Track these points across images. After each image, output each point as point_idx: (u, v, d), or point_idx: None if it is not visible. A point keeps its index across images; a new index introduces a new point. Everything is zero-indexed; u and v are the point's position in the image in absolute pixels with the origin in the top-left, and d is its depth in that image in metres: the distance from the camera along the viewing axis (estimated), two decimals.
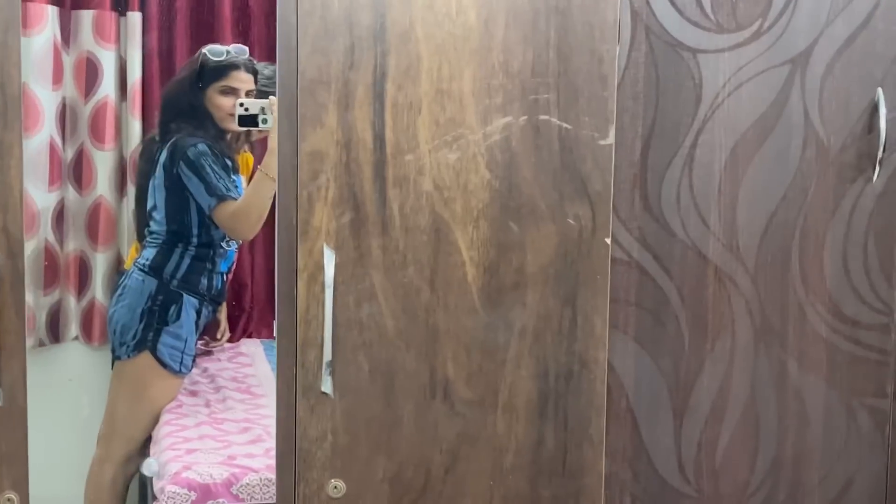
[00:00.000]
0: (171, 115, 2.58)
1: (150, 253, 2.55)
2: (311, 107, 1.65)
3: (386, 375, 1.70)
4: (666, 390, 1.81)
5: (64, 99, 2.83)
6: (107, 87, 2.77)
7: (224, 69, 2.54)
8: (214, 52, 2.56)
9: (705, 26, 1.74)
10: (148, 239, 2.57)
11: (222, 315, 2.95)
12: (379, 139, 1.66)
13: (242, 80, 2.57)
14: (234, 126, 2.51)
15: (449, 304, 1.70)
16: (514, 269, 1.71)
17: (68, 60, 2.79)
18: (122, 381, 2.64)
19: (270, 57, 2.64)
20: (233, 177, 2.52)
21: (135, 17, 2.78)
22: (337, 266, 1.66)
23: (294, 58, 1.64)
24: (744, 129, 1.78)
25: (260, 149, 2.72)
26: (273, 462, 2.27)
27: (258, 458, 2.55)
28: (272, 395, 2.74)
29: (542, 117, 1.68)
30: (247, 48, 2.60)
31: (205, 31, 2.85)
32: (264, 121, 2.42)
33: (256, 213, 2.47)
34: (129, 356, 2.57)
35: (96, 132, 2.76)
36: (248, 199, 2.48)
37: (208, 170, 2.46)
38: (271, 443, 2.45)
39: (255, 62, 2.62)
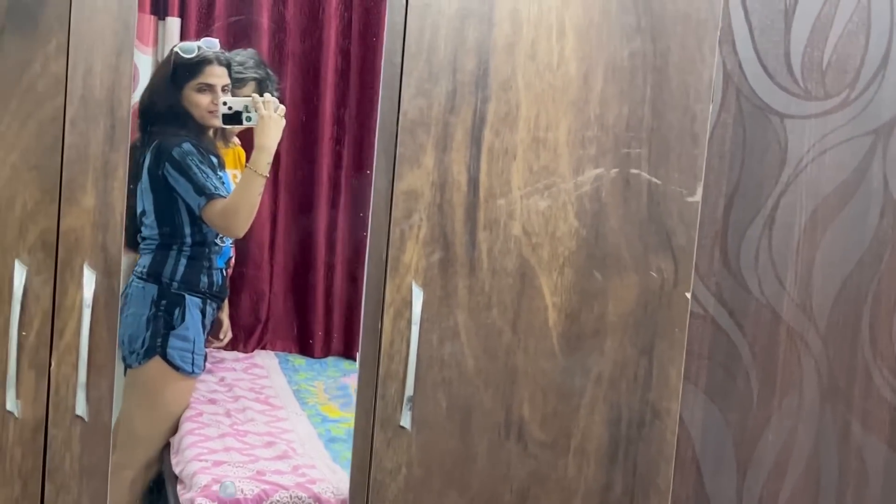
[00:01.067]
0: (150, 119, 2.56)
1: (146, 259, 2.55)
2: (410, 147, 1.68)
3: (463, 413, 1.74)
4: (731, 443, 1.86)
5: None
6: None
7: (197, 66, 2.53)
8: (185, 49, 2.55)
9: (794, 92, 1.79)
10: (142, 246, 2.57)
11: (224, 314, 2.94)
12: (473, 182, 1.70)
13: (217, 74, 2.56)
14: (217, 123, 2.51)
15: (529, 347, 1.74)
16: (595, 317, 1.75)
17: None
18: (136, 389, 2.65)
19: (301, 68, 2.65)
20: (219, 173, 2.52)
21: (173, 23, 2.79)
22: (423, 304, 1.70)
23: (396, 97, 1.68)
24: (825, 193, 1.83)
25: (246, 145, 2.72)
26: (302, 480, 2.31)
27: (287, 475, 2.57)
28: (290, 407, 2.77)
29: (633, 171, 1.73)
30: (216, 41, 2.60)
31: (241, 39, 2.87)
32: (248, 118, 2.43)
33: (245, 210, 2.47)
34: (139, 363, 2.57)
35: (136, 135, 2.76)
36: (237, 196, 2.48)
37: (195, 169, 2.46)
38: (299, 460, 2.48)
39: (226, 54, 2.61)
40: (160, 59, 2.75)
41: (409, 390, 1.70)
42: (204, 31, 2.86)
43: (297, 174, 2.61)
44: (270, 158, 2.35)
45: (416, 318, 1.70)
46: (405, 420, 1.71)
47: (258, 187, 2.37)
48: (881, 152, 1.81)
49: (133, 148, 2.59)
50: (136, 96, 2.66)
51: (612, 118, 1.72)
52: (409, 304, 1.70)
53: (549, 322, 1.74)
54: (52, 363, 1.64)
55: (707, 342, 1.80)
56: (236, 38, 2.76)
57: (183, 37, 2.76)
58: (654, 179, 1.73)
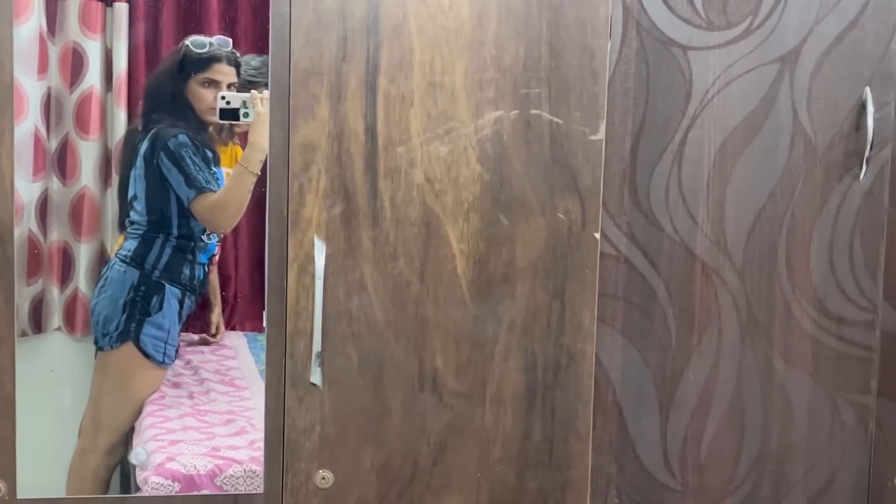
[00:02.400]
0: (152, 106, 2.58)
1: (131, 244, 2.55)
2: (304, 98, 1.66)
3: (375, 367, 1.72)
4: (652, 384, 1.84)
5: (49, 89, 2.82)
6: (92, 77, 2.76)
7: (206, 61, 2.54)
8: (197, 43, 2.56)
9: (696, 23, 1.77)
10: (129, 230, 2.58)
11: (215, 315, 2.94)
12: (371, 131, 1.68)
13: (224, 72, 2.56)
14: (216, 118, 2.51)
15: (438, 297, 1.72)
16: (504, 263, 1.73)
17: (54, 50, 2.78)
18: (106, 373, 2.65)
19: (257, 49, 2.64)
20: (213, 169, 2.52)
21: (121, 8, 2.77)
22: (327, 257, 1.69)
23: (287, 49, 1.66)
24: (733, 126, 1.81)
25: (243, 142, 2.72)
26: (258, 454, 2.29)
27: (242, 449, 2.56)
28: (255, 387, 2.75)
29: (534, 112, 1.71)
30: (230, 40, 2.60)
31: (191, 22, 2.85)
32: (245, 114, 2.42)
33: (234, 206, 2.47)
34: (111, 347, 2.57)
35: (81, 122, 2.76)
36: (226, 192, 2.48)
37: (188, 161, 2.47)
38: (255, 434, 2.46)
39: (237, 54, 2.62)
40: (109, 45, 2.74)
41: (318, 346, 1.69)
42: (152, 15, 2.84)
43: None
44: (263, 156, 2.34)
45: (320, 272, 1.68)
46: (315, 377, 1.70)
47: (248, 184, 2.36)
48: (788, 80, 1.79)
49: (132, 132, 2.60)
50: (87, 82, 2.65)
51: (509, 59, 1.70)
52: (313, 258, 1.68)
53: (457, 270, 1.72)
54: None
55: (622, 283, 1.78)
56: (185, 19, 2.74)
57: (132, 21, 2.74)
58: (556, 119, 1.71)
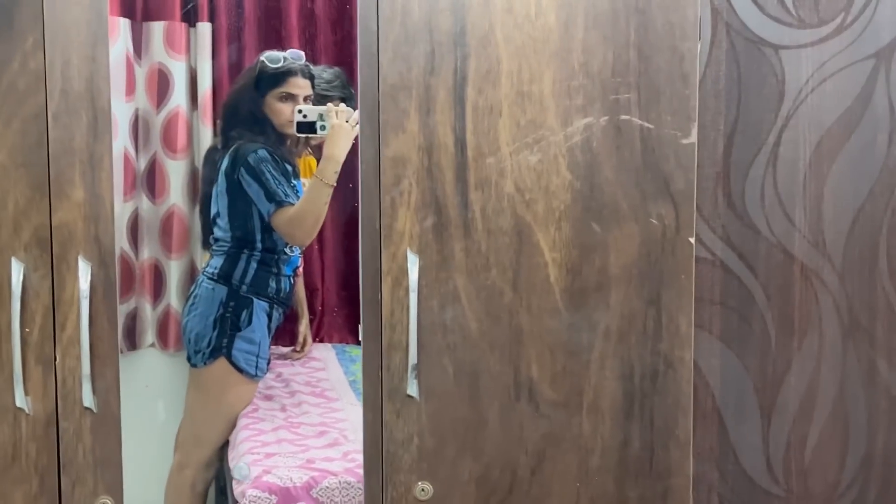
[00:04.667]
0: (231, 123, 2.63)
1: (217, 261, 2.61)
2: (393, 112, 1.68)
3: (470, 377, 1.73)
4: (752, 389, 1.82)
5: (137, 110, 2.89)
6: (178, 97, 2.83)
7: (282, 76, 2.59)
8: (272, 59, 2.60)
9: (787, 22, 1.75)
10: (214, 247, 2.63)
11: (303, 325, 2.97)
12: (460, 143, 1.69)
13: (300, 85, 2.61)
14: (293, 132, 2.55)
15: (532, 306, 1.73)
16: (597, 270, 1.73)
17: (140, 72, 2.85)
18: (200, 389, 2.70)
19: (336, 62, 2.68)
20: (293, 182, 2.56)
21: (204, 28, 2.83)
22: (420, 270, 1.70)
23: (375, 64, 1.68)
24: (828, 124, 1.79)
25: (318, 154, 2.75)
26: (352, 465, 2.32)
27: (337, 461, 2.59)
28: (345, 398, 2.79)
29: (624, 117, 1.70)
30: (303, 53, 2.64)
31: (272, 39, 2.90)
32: (322, 127, 2.47)
33: (312, 218, 2.51)
34: (204, 363, 2.63)
35: (168, 141, 2.83)
36: (304, 205, 2.52)
37: (268, 175, 2.51)
38: (349, 446, 2.50)
39: (311, 67, 2.66)
40: (193, 65, 2.81)
41: (413, 359, 1.71)
42: (235, 34, 2.90)
43: (343, 168, 2.62)
44: (338, 168, 2.39)
45: (414, 285, 1.70)
46: (412, 389, 1.71)
47: (325, 196, 2.41)
48: (884, 76, 1.76)
49: (212, 150, 2.67)
50: (173, 102, 2.72)
51: (598, 65, 1.70)
52: (406, 271, 1.70)
53: (550, 279, 1.72)
54: (57, 357, 1.68)
55: (718, 287, 1.77)
56: (267, 37, 2.80)
57: (215, 41, 2.81)
58: (647, 124, 1.70)
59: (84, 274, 1.67)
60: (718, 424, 1.81)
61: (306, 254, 2.84)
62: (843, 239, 1.79)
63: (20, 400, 1.68)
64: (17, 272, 1.66)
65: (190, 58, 2.82)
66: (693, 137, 1.70)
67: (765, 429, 1.83)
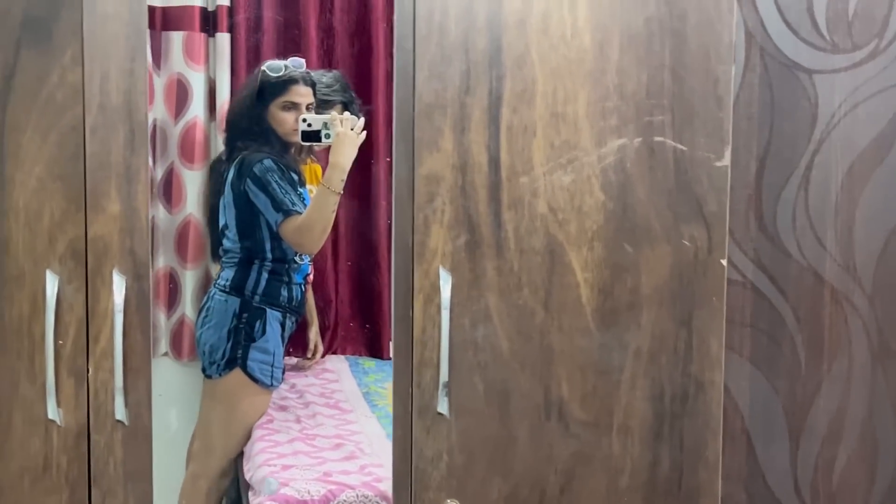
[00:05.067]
0: (235, 134, 2.63)
1: (228, 273, 2.61)
2: (428, 131, 1.69)
3: (501, 396, 1.74)
4: (781, 411, 1.83)
5: (155, 120, 2.90)
6: (196, 107, 2.83)
7: (283, 84, 2.59)
8: (273, 68, 2.60)
9: (821, 47, 1.76)
10: (224, 259, 2.63)
11: (313, 332, 2.98)
12: (494, 162, 1.70)
13: (302, 93, 2.61)
14: (298, 140, 2.55)
15: (563, 326, 1.73)
16: (629, 291, 1.73)
17: (159, 82, 2.85)
18: (215, 399, 2.70)
19: (354, 74, 2.68)
20: (299, 190, 2.56)
21: (223, 39, 2.84)
22: (452, 287, 1.71)
23: (411, 83, 1.69)
24: (861, 148, 1.80)
25: (323, 161, 2.76)
26: (369, 479, 2.33)
27: (353, 474, 2.59)
28: (360, 410, 2.79)
29: (657, 139, 1.71)
30: (303, 60, 2.64)
31: (291, 50, 2.91)
32: (327, 135, 2.47)
33: (320, 227, 2.51)
34: (220, 375, 2.63)
35: (186, 152, 2.83)
36: (311, 213, 2.52)
37: (274, 185, 2.51)
38: (366, 459, 2.50)
39: (311, 74, 2.66)
40: (212, 76, 2.81)
41: (444, 376, 1.71)
42: (253, 45, 2.91)
43: (355, 178, 2.63)
44: (344, 176, 2.39)
45: (446, 302, 1.70)
46: (442, 406, 1.72)
47: (332, 204, 2.41)
48: None
49: (218, 162, 2.68)
50: (191, 113, 2.73)
51: (632, 86, 1.71)
52: (438, 289, 1.71)
53: (581, 299, 1.73)
54: (90, 369, 1.69)
55: (749, 309, 1.78)
56: (285, 48, 2.81)
57: (233, 52, 2.82)
58: (680, 146, 1.71)
59: (119, 287, 1.68)
60: (747, 446, 1.82)
61: (320, 265, 2.85)
62: (873, 263, 1.80)
63: (52, 412, 1.68)
64: (51, 284, 1.67)
65: (209, 68, 2.83)
66: (726, 160, 1.71)
67: (793, 451, 1.83)
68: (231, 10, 2.76)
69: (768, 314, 1.79)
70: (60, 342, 1.68)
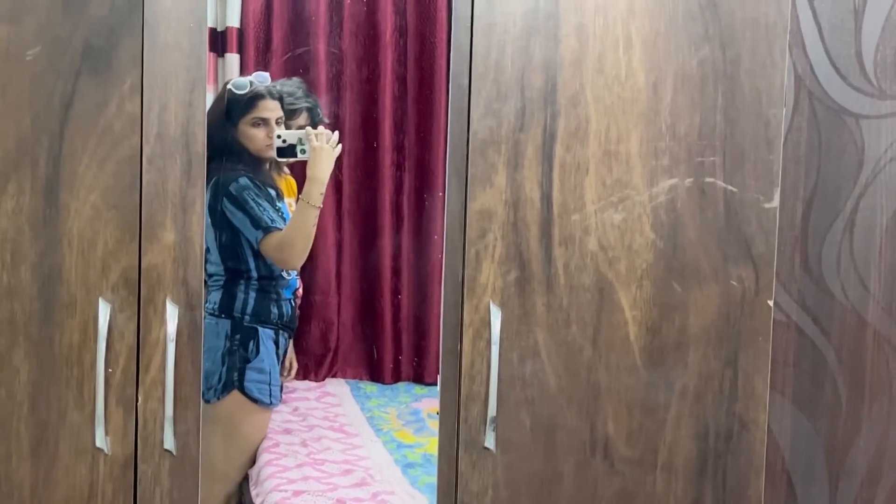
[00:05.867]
0: (208, 155, 2.60)
1: (215, 296, 2.58)
2: (482, 167, 1.70)
3: (547, 432, 1.74)
4: (822, 452, 1.84)
5: None
6: None
7: (251, 101, 2.57)
8: (238, 85, 2.59)
9: (868, 92, 1.78)
10: (210, 283, 2.60)
11: (289, 351, 2.95)
12: (546, 199, 1.71)
13: (270, 108, 2.59)
14: (273, 155, 2.54)
15: (611, 363, 1.74)
16: (677, 330, 1.74)
17: None
18: (214, 424, 2.67)
19: (361, 97, 2.68)
20: (278, 205, 2.55)
21: (233, 59, 2.83)
22: (502, 323, 1.71)
23: (465, 118, 1.70)
24: None
25: (298, 176, 2.75)
26: None
27: (367, 502, 2.58)
28: (365, 434, 2.78)
29: (708, 180, 1.72)
30: (268, 74, 2.63)
31: (299, 70, 2.91)
32: (303, 150, 2.47)
33: (301, 241, 2.50)
34: (217, 398, 2.60)
35: None
36: (292, 229, 2.51)
37: (252, 203, 2.49)
38: (378, 486, 2.49)
39: (278, 86, 2.64)
40: None
41: (492, 411, 1.71)
42: (262, 65, 2.90)
43: (360, 202, 2.63)
44: (323, 189, 2.38)
45: (496, 337, 1.71)
46: (489, 441, 1.72)
47: (312, 218, 2.40)
48: None
49: None
50: None
51: (685, 127, 1.72)
52: (488, 324, 1.71)
53: (629, 336, 1.74)
54: (139, 399, 1.68)
55: (792, 350, 1.79)
56: (294, 70, 2.81)
57: (242, 73, 2.81)
58: (730, 187, 1.73)
59: (171, 317, 1.67)
60: (787, 486, 1.83)
61: (321, 287, 2.84)
62: None
63: (100, 440, 1.68)
64: (104, 313, 1.66)
65: (217, 88, 2.83)
66: (775, 202, 1.73)
67: (832, 492, 1.85)
68: (241, 31, 2.76)
69: (811, 355, 1.80)
70: (110, 371, 1.67)
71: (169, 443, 1.69)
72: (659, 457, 1.77)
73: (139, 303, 1.68)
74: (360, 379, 2.92)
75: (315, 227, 2.41)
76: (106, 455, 1.69)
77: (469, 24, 1.70)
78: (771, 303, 1.74)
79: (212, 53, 2.78)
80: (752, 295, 1.75)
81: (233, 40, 2.75)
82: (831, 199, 1.78)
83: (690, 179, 1.74)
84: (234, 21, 2.74)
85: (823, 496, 1.84)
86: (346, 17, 2.85)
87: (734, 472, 1.78)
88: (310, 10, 2.82)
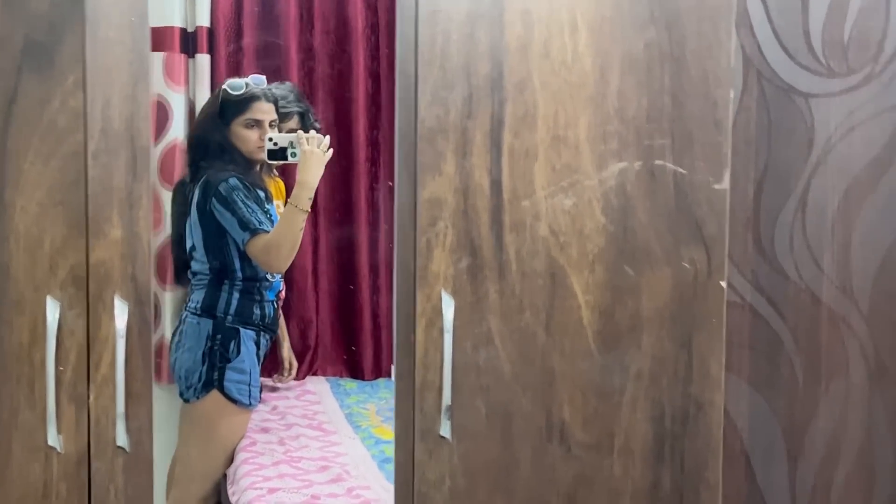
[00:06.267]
0: (199, 155, 2.60)
1: (199, 295, 2.58)
2: (430, 155, 1.69)
3: (503, 419, 1.73)
4: (780, 433, 1.83)
5: None
6: (176, 128, 2.80)
7: (245, 102, 2.57)
8: (234, 86, 2.59)
9: (817, 71, 1.78)
10: (193, 281, 2.60)
11: (285, 349, 2.95)
12: (496, 185, 1.70)
13: (264, 110, 2.60)
14: (264, 158, 2.54)
15: (565, 348, 1.73)
16: (630, 313, 1.74)
17: None
18: (194, 423, 2.67)
19: (332, 94, 2.68)
20: (266, 207, 2.55)
21: (203, 60, 2.82)
22: (455, 311, 1.70)
23: (413, 107, 1.69)
24: (856, 172, 1.81)
25: (284, 177, 2.74)
26: (356, 502, 2.30)
27: (342, 497, 2.58)
28: (343, 432, 2.77)
29: (658, 162, 1.72)
30: (264, 77, 2.63)
31: (271, 70, 2.89)
32: (293, 154, 2.47)
33: (288, 245, 2.49)
34: (197, 398, 2.60)
35: (166, 173, 2.80)
36: (279, 232, 2.51)
37: (240, 204, 2.49)
38: (352, 482, 2.48)
39: (273, 89, 2.64)
40: (192, 97, 2.80)
41: (447, 400, 1.71)
42: (234, 65, 2.89)
43: (335, 199, 2.62)
44: (312, 194, 2.38)
45: (449, 326, 1.70)
46: (445, 430, 1.71)
47: (300, 222, 2.39)
48: None
49: (181, 184, 2.65)
50: (171, 134, 2.71)
51: (632, 111, 1.72)
52: (441, 312, 1.70)
53: (583, 321, 1.73)
54: (91, 396, 1.67)
55: (747, 331, 1.78)
56: (266, 69, 2.79)
57: (213, 73, 2.80)
58: (680, 169, 1.72)
59: (121, 313, 1.66)
60: (746, 467, 1.82)
61: (299, 286, 2.83)
62: (870, 284, 1.81)
63: (52, 438, 1.66)
64: (52, 311, 1.65)
65: (189, 89, 2.81)
66: (725, 183, 1.72)
67: (792, 472, 1.84)
68: (211, 31, 2.74)
69: (766, 335, 1.80)
70: (61, 368, 1.66)
71: (122, 439, 1.68)
72: (616, 441, 1.76)
73: (88, 300, 1.66)
74: (341, 376, 2.91)
75: (302, 232, 2.41)
76: (59, 453, 1.67)
77: (414, 13, 1.69)
78: (724, 284, 1.73)
79: (182, 55, 2.77)
80: (704, 276, 1.74)
81: (203, 40, 2.74)
82: (783, 180, 1.78)
83: (640, 163, 1.73)
84: (203, 20, 2.73)
85: (783, 476, 1.84)
86: (316, 14, 2.84)
87: (692, 454, 1.77)
88: (280, 9, 2.81)
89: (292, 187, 2.47)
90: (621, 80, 1.72)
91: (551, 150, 1.71)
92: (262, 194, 2.53)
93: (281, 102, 2.59)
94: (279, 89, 2.62)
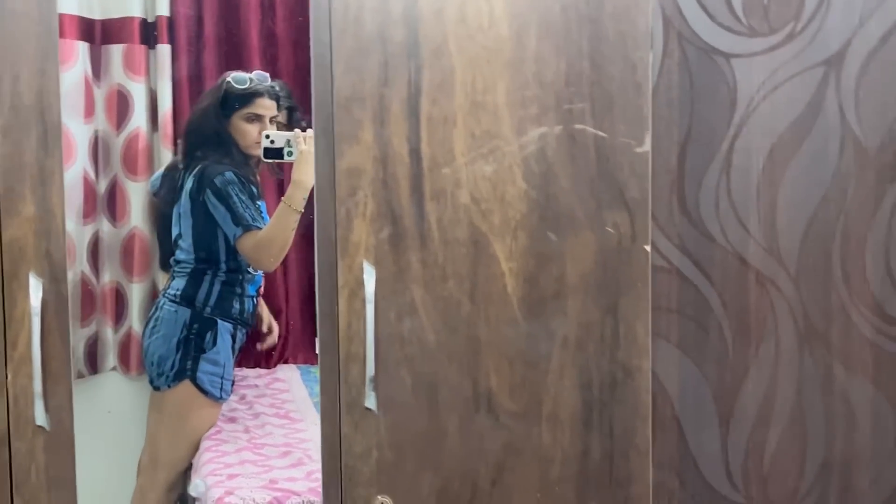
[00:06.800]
0: (196, 143, 2.59)
1: (179, 283, 2.56)
2: (347, 124, 1.67)
3: (429, 389, 1.71)
4: (711, 397, 1.81)
5: (96, 132, 2.85)
6: (138, 118, 2.79)
7: (248, 97, 2.56)
8: (238, 80, 2.58)
9: (738, 31, 1.75)
10: (175, 269, 2.59)
11: (264, 309, 2.91)
12: (415, 153, 1.67)
13: (266, 106, 2.59)
14: (260, 154, 2.53)
15: (490, 316, 1.71)
16: (554, 279, 1.71)
17: (99, 94, 2.81)
18: (163, 412, 2.66)
19: (297, 83, 2.66)
20: (258, 203, 2.53)
21: (164, 50, 2.80)
22: (377, 281, 1.68)
23: (329, 76, 1.67)
24: (780, 131, 1.79)
25: (284, 178, 2.73)
26: (315, 485, 2.29)
27: (300, 481, 2.56)
28: (310, 419, 2.75)
29: (578, 126, 1.69)
30: (267, 74, 2.62)
31: (233, 59, 2.88)
32: (289, 153, 2.45)
33: (279, 243, 2.48)
34: (168, 386, 2.58)
35: (129, 163, 2.79)
36: (271, 230, 2.49)
37: (235, 199, 2.48)
38: (313, 465, 2.46)
39: (275, 87, 2.63)
40: (153, 87, 2.78)
41: (371, 371, 1.68)
42: (194, 55, 2.87)
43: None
44: (307, 194, 2.36)
45: (371, 296, 1.67)
46: (370, 401, 1.69)
47: (293, 223, 2.38)
48: (834, 83, 1.76)
49: (172, 170, 2.63)
50: (133, 123, 2.69)
51: (551, 75, 1.69)
52: (363, 283, 1.68)
53: (507, 289, 1.70)
54: (8, 375, 1.64)
55: (675, 295, 1.76)
56: (228, 58, 2.77)
57: (174, 63, 2.78)
58: (600, 133, 1.70)
59: (35, 291, 1.63)
60: (678, 432, 1.80)
61: (268, 275, 2.81)
62: (797, 245, 1.79)
63: None
64: None
65: (149, 79, 2.79)
66: (647, 146, 1.69)
67: (724, 436, 1.82)
68: (171, 22, 2.72)
69: (694, 299, 1.78)
70: None
71: (41, 419, 1.65)
72: (544, 409, 1.74)
73: (2, 278, 1.64)
74: (311, 364, 2.89)
75: (294, 231, 2.39)
76: None
77: None
78: (648, 248, 1.71)
79: (143, 45, 2.75)
80: (628, 241, 1.72)
81: (163, 30, 2.72)
82: (706, 141, 1.76)
83: (560, 127, 1.71)
84: (163, 10, 2.71)
85: (714, 441, 1.81)
86: (278, 1, 2.82)
87: (620, 420, 1.75)
88: None
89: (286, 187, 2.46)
90: (539, 44, 1.69)
91: (470, 116, 1.69)
92: (255, 189, 2.52)
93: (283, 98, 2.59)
94: (278, 84, 2.61)
